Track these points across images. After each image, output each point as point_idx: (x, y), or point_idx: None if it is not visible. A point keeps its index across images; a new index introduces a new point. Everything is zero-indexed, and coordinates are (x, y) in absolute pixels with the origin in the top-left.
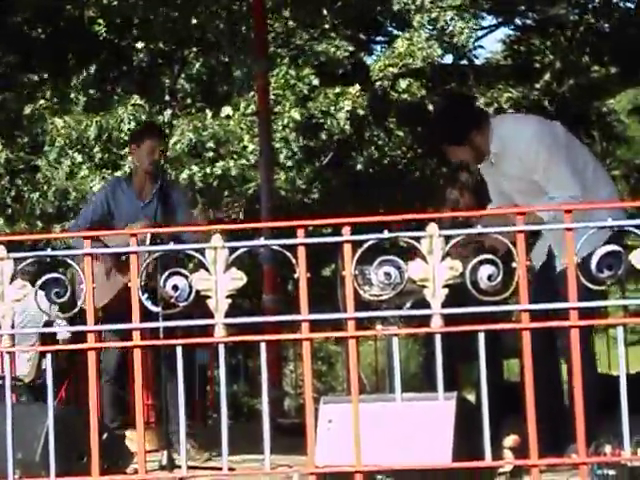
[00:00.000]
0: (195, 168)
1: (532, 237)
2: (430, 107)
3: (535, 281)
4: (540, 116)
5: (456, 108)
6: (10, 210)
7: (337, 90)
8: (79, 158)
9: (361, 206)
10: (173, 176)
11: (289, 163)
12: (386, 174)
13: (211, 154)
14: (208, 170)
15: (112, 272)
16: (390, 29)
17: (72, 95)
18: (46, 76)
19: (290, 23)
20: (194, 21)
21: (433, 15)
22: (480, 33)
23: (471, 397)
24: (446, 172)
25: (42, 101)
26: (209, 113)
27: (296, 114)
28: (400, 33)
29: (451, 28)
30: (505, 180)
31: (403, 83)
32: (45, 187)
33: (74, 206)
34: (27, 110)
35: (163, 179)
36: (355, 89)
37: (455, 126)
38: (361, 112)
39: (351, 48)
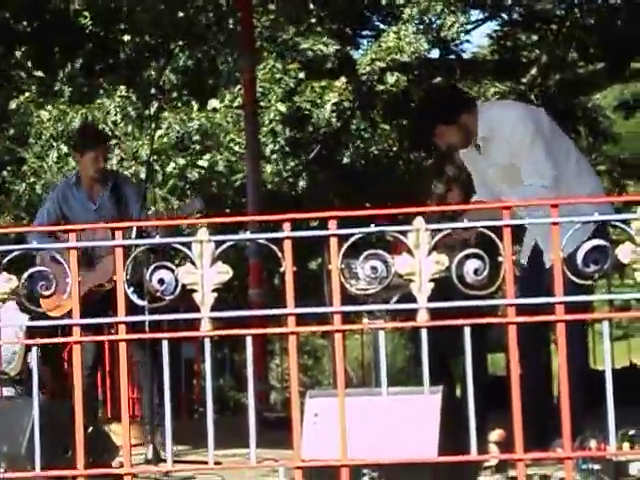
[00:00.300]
0: (182, 161)
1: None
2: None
3: (522, 275)
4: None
5: (446, 89)
6: None
7: (323, 83)
8: (66, 150)
9: (347, 199)
10: (159, 168)
11: (275, 156)
12: (372, 167)
13: (197, 147)
14: (199, 162)
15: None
16: (377, 23)
17: (57, 87)
18: (32, 69)
19: (276, 17)
20: (180, 14)
21: (422, 7)
22: (467, 27)
23: (457, 391)
24: (432, 165)
25: (27, 94)
26: (195, 106)
27: (282, 107)
28: (387, 27)
29: (441, 21)
30: (491, 169)
31: (391, 78)
32: (33, 179)
33: None
34: (12, 105)
35: (116, 179)
36: (341, 82)
37: (445, 105)
38: (347, 105)
39: (338, 46)
